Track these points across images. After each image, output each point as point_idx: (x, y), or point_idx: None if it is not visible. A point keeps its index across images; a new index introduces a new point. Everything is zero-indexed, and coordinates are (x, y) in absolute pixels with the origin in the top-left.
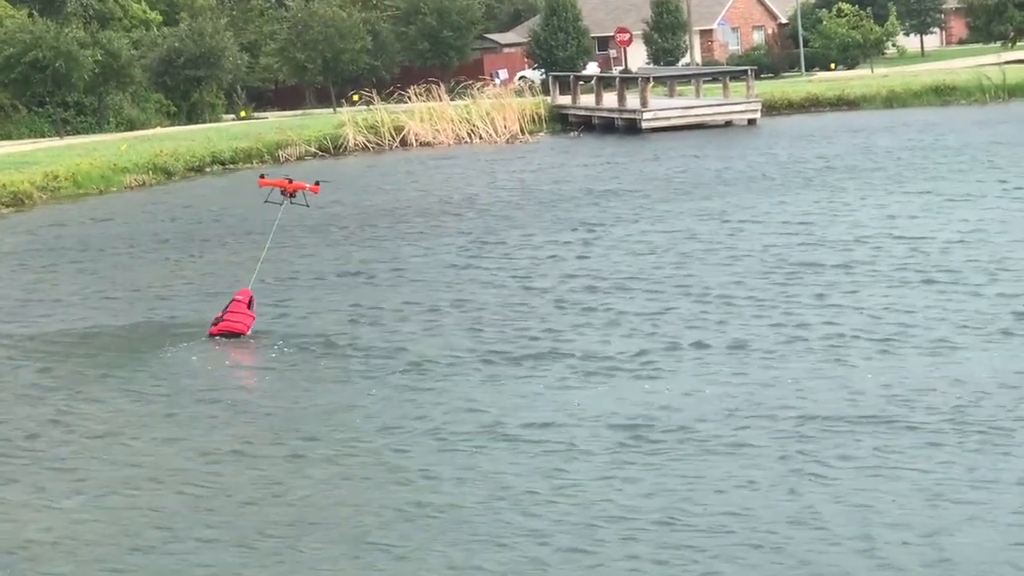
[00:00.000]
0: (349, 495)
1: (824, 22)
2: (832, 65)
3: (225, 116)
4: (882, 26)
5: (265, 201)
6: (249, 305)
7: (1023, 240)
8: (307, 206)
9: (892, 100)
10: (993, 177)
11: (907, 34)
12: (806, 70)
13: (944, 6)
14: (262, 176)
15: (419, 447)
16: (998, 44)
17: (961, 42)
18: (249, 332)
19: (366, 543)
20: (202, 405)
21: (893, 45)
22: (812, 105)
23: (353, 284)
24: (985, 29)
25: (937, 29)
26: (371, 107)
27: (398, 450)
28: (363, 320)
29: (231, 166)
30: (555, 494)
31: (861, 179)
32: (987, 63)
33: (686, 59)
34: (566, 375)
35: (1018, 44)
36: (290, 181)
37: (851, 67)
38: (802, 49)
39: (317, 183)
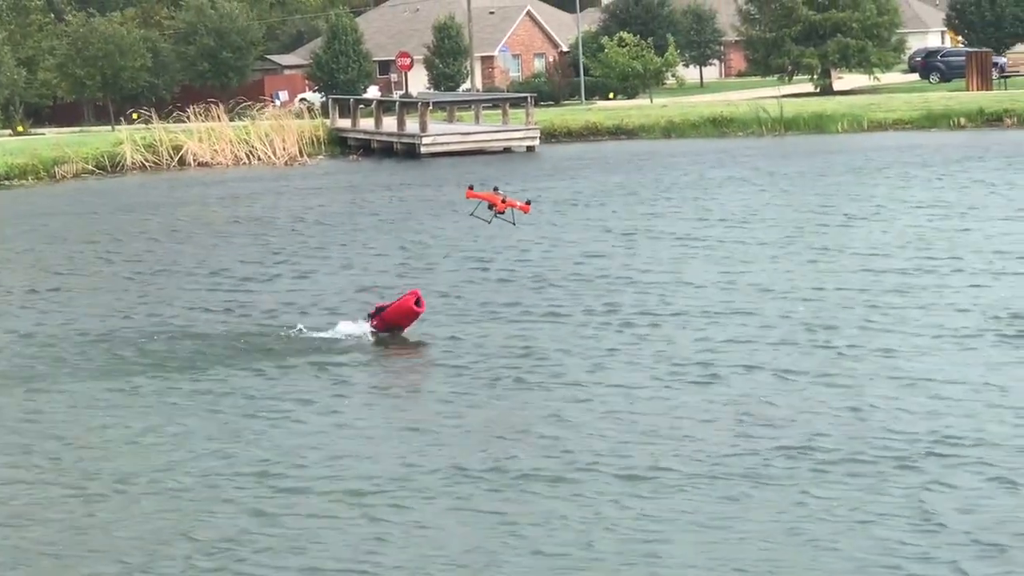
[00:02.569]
0: None
1: (605, 51)
2: (611, 94)
3: (1, 131)
4: (662, 57)
5: (470, 214)
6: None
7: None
8: (514, 224)
9: (671, 130)
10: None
11: (687, 65)
12: (586, 99)
13: (723, 39)
14: (470, 188)
15: None
16: (775, 78)
17: (740, 75)
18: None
19: None
20: None
21: (673, 76)
22: (591, 133)
23: None
24: (763, 62)
25: (716, 61)
26: (150, 126)
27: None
28: None
29: (6, 182)
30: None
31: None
32: (765, 96)
33: (467, 85)
34: None
35: (796, 78)
36: (503, 199)
37: (631, 97)
38: (583, 78)
39: (528, 202)
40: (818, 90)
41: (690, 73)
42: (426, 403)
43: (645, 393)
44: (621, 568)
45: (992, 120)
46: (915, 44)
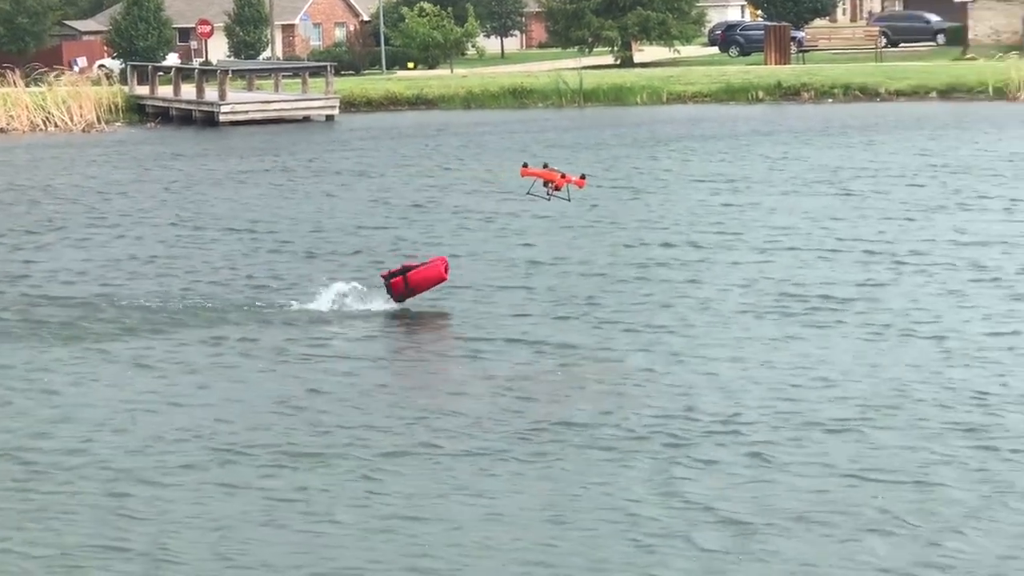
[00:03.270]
0: None
1: (406, 21)
2: (412, 64)
3: None
4: (462, 27)
5: (527, 193)
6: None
7: None
8: (568, 200)
9: (470, 101)
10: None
11: (488, 36)
12: (387, 68)
13: (525, 10)
14: (524, 165)
15: None
16: (576, 49)
17: (541, 46)
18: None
19: None
20: None
21: (473, 46)
22: (391, 103)
23: None
24: (564, 34)
25: (517, 32)
26: None
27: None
28: None
29: None
30: None
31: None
32: (566, 67)
33: (267, 53)
34: None
35: (596, 50)
36: (562, 175)
37: (432, 67)
38: (383, 47)
39: (583, 176)
40: (618, 62)
41: (491, 44)
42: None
43: (399, 367)
44: (381, 543)
45: (790, 94)
46: (715, 17)
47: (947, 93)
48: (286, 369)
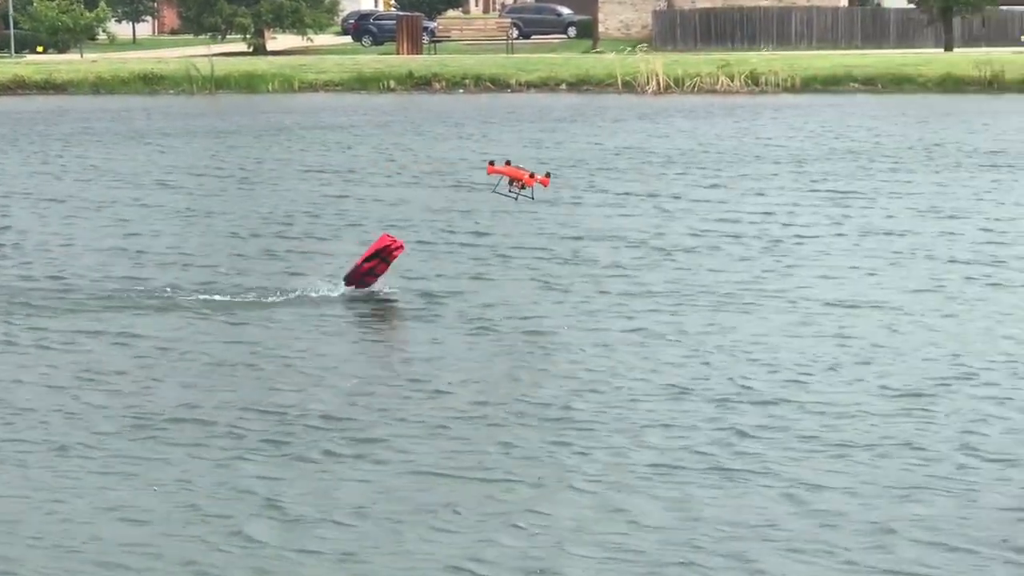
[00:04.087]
0: None
1: (35, 4)
2: (41, 48)
3: None
4: (93, 12)
5: (493, 191)
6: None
7: None
8: (532, 199)
9: (100, 86)
10: None
11: (119, 21)
12: (16, 52)
13: None
14: (491, 163)
15: None
16: (208, 36)
17: (173, 32)
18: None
19: None
20: None
21: (104, 31)
22: (19, 87)
23: None
24: (196, 21)
25: (149, 18)
26: None
27: None
28: None
29: None
30: None
31: None
32: (199, 55)
33: None
34: None
35: (229, 37)
36: (531, 174)
37: (62, 51)
38: (12, 30)
39: (548, 175)
40: (251, 50)
41: (123, 29)
42: None
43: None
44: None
45: (421, 84)
46: (349, 7)
47: (577, 86)
48: None
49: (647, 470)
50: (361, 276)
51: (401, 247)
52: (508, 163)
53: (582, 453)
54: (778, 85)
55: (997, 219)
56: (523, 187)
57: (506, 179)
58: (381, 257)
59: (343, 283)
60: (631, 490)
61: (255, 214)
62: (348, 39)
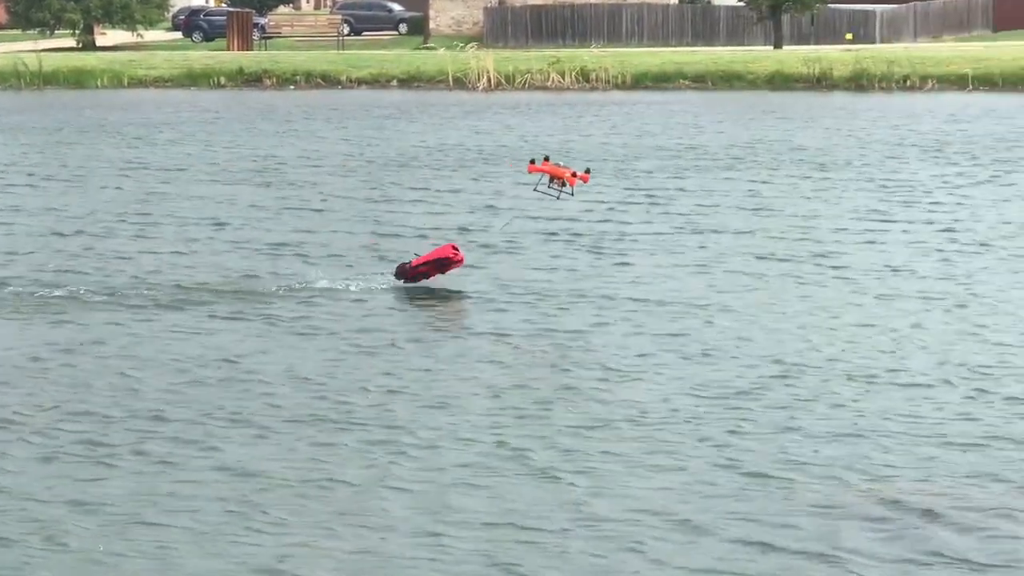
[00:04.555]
0: None
1: None
2: None
3: None
4: None
5: (535, 189)
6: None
7: None
8: (572, 195)
9: None
10: None
11: None
12: None
13: None
14: (532, 161)
15: None
16: (37, 31)
17: (1, 27)
18: None
19: None
20: None
21: None
22: None
23: None
24: (25, 15)
25: None
26: None
27: None
28: None
29: None
30: None
31: None
32: (25, 50)
33: None
34: None
35: (58, 32)
36: (574, 173)
37: None
38: None
39: (587, 171)
40: (80, 45)
41: None
42: None
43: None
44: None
45: (252, 80)
46: (179, 2)
47: (408, 82)
48: None
49: (461, 470)
50: (414, 275)
51: (461, 262)
52: (547, 159)
53: (400, 453)
54: (608, 82)
55: (815, 217)
56: (563, 184)
57: (547, 177)
58: (437, 266)
59: (393, 275)
60: (447, 488)
61: (80, 212)
62: (179, 35)
